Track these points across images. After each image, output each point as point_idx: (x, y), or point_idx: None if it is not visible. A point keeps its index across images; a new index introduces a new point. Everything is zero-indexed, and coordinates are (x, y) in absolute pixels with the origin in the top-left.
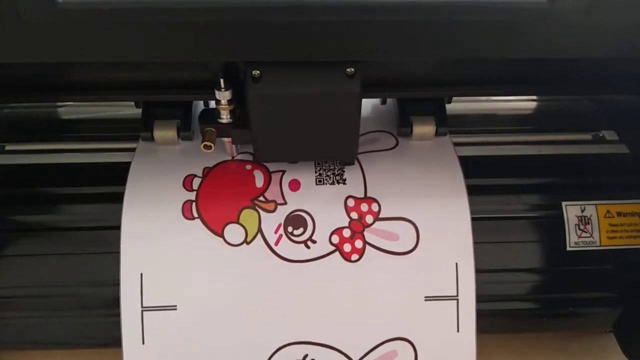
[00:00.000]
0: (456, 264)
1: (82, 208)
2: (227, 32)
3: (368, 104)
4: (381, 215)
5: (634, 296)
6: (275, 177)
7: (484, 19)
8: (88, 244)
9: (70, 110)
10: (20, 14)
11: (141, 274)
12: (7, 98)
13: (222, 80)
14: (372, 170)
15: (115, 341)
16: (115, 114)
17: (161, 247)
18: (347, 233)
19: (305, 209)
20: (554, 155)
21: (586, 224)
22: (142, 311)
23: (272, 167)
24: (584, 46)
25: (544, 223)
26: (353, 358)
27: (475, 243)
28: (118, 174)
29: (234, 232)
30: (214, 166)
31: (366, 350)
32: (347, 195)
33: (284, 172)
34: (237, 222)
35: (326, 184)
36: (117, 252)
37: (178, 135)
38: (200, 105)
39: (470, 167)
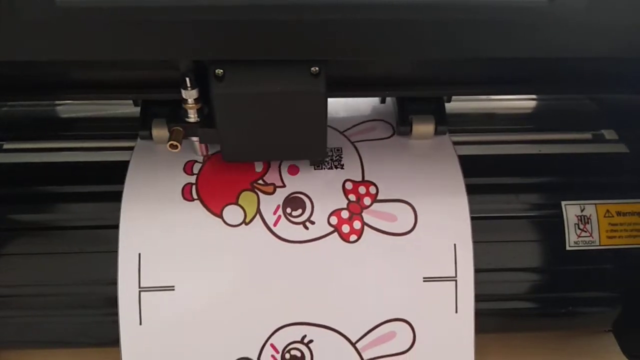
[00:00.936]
0: (454, 245)
1: (81, 207)
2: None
3: (367, 102)
4: (379, 197)
5: (633, 296)
6: (274, 163)
7: (483, 18)
8: (87, 243)
9: (68, 108)
10: (18, 12)
11: (139, 254)
12: (6, 96)
13: (187, 79)
14: (370, 156)
15: (114, 340)
16: (114, 113)
17: (160, 227)
18: (345, 214)
19: (303, 191)
20: (554, 155)
21: (586, 224)
22: (139, 291)
23: None
24: (584, 46)
25: (544, 222)
26: (351, 339)
27: (475, 242)
28: (117, 173)
29: (233, 213)
30: (215, 153)
31: (365, 331)
32: (345, 178)
33: None
34: (236, 204)
35: (324, 168)
36: (116, 251)
37: None
38: None
39: (470, 166)
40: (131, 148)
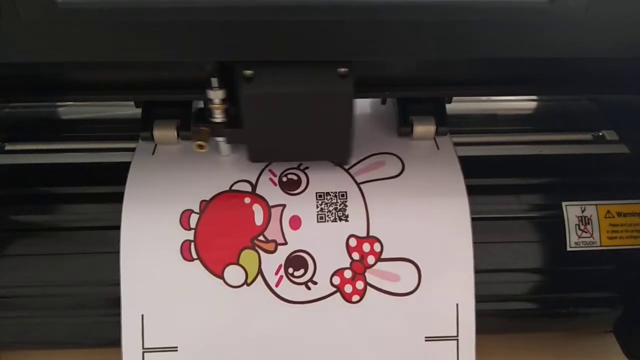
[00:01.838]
0: (457, 304)
1: (82, 208)
2: (220, 32)
3: (366, 104)
4: (383, 256)
5: (634, 296)
6: (275, 213)
7: (484, 18)
8: (88, 244)
9: (70, 110)
10: (19, 13)
11: (142, 315)
12: (7, 98)
13: (214, 80)
14: (376, 204)
15: (115, 341)
16: (115, 114)
17: (162, 289)
18: (348, 274)
19: (306, 249)
20: (554, 155)
21: (586, 224)
22: (143, 352)
23: (271, 200)
24: (584, 46)
25: (544, 223)
26: None
27: (476, 243)
28: (118, 174)
29: (234, 273)
30: (211, 199)
31: None
32: (349, 234)
33: (284, 206)
34: (237, 264)
35: (328, 221)
36: (117, 252)
37: (178, 135)
38: (200, 104)
39: (471, 167)
40: (133, 149)
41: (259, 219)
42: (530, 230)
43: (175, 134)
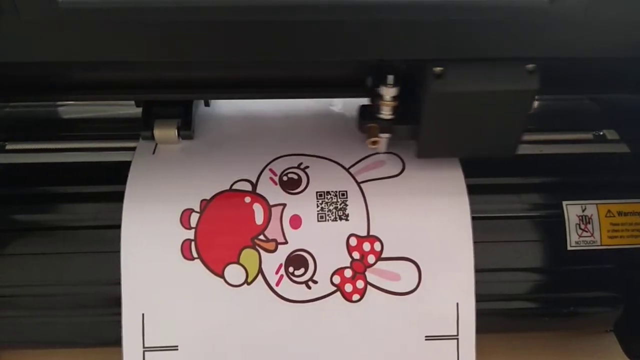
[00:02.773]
0: (457, 303)
1: (82, 207)
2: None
3: None
4: (383, 255)
5: (635, 296)
6: (275, 212)
7: (483, 18)
8: (88, 243)
9: (70, 109)
10: (20, 13)
11: (143, 315)
12: (8, 97)
13: (390, 77)
14: (376, 203)
15: (115, 341)
16: (116, 113)
17: (162, 288)
18: (348, 273)
19: (306, 248)
20: (555, 155)
21: (587, 224)
22: (143, 351)
23: (272, 199)
24: (584, 46)
25: (545, 222)
26: None
27: (476, 242)
28: (118, 173)
29: (234, 272)
30: (212, 198)
31: None
32: (349, 233)
33: (284, 205)
34: (238, 263)
35: (328, 220)
36: (117, 251)
37: (178, 134)
38: (200, 104)
39: (471, 166)
40: (133, 149)
41: (259, 218)
42: (531, 230)
43: (176, 133)
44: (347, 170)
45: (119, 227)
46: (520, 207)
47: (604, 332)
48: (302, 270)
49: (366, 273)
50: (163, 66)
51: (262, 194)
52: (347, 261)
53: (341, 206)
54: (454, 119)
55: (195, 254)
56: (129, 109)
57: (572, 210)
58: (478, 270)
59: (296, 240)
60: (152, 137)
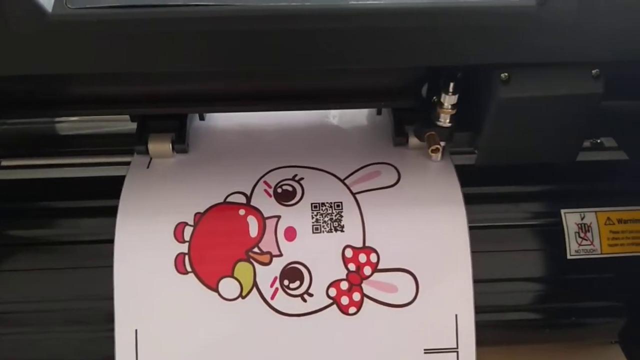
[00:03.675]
0: (456, 315)
1: (77, 222)
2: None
3: (363, 114)
4: (380, 267)
5: (638, 305)
6: (269, 225)
7: (471, 23)
8: (83, 258)
9: (66, 126)
10: (10, 25)
11: (136, 331)
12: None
13: (452, 84)
14: (372, 213)
15: (110, 356)
16: (111, 130)
17: (156, 303)
18: (344, 286)
19: (301, 260)
20: (553, 163)
21: (586, 232)
22: None
23: (266, 212)
24: (574, 50)
25: (544, 231)
26: None
27: (474, 252)
28: (113, 188)
29: (228, 286)
30: (205, 211)
31: None
32: (345, 245)
33: (279, 217)
34: (232, 276)
35: (323, 231)
36: (112, 266)
37: (173, 148)
38: (195, 117)
39: (468, 175)
40: (128, 163)
41: (253, 231)
42: (530, 239)
43: (170, 147)
44: (342, 181)
45: (113, 241)
46: (518, 216)
47: (609, 343)
48: (297, 283)
49: (362, 285)
50: (157, 79)
51: (257, 206)
52: (343, 273)
53: (336, 217)
54: (518, 124)
55: (189, 268)
56: (124, 124)
57: (570, 219)
58: (476, 281)
59: (291, 252)
60: (147, 151)
